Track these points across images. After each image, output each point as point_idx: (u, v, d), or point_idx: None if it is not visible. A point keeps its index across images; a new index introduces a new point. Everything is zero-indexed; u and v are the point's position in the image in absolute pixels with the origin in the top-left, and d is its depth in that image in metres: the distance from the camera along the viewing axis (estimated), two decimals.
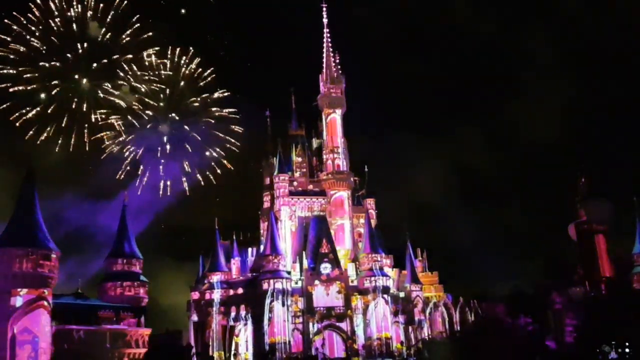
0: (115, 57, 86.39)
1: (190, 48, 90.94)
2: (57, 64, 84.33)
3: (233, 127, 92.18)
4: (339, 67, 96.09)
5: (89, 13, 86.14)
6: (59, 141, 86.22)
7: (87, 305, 65.06)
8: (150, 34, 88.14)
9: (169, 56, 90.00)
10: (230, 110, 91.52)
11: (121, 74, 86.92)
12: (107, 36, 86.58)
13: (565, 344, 79.24)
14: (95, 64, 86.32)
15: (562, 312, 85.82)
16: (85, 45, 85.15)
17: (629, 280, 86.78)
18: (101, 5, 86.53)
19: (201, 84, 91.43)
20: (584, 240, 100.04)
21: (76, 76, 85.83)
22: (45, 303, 57.14)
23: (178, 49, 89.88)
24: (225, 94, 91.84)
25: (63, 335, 59.12)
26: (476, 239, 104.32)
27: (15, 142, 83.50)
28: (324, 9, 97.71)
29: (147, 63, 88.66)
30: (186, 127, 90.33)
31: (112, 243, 74.25)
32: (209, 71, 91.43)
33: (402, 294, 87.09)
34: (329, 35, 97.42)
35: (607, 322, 72.42)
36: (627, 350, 69.99)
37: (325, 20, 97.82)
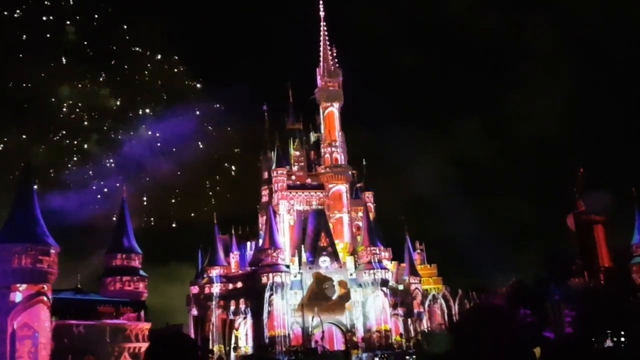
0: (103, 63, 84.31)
1: (175, 57, 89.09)
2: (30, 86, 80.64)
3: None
4: (336, 60, 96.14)
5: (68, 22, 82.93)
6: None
7: (86, 300, 65.03)
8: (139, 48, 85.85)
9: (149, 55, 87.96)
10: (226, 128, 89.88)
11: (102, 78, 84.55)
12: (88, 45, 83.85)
13: (564, 334, 79.46)
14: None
15: (560, 303, 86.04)
16: (64, 59, 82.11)
17: (628, 271, 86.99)
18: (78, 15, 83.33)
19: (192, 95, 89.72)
20: (583, 231, 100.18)
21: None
22: (45, 298, 57.21)
23: (159, 55, 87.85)
24: (217, 106, 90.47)
25: (63, 330, 59.12)
26: (475, 231, 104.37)
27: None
28: (321, 1, 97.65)
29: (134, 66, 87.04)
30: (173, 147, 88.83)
31: (111, 238, 74.46)
32: (197, 83, 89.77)
33: (401, 287, 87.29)
34: (325, 28, 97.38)
35: (606, 313, 72.79)
36: (622, 339, 70.40)
37: (322, 14, 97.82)
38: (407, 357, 75.48)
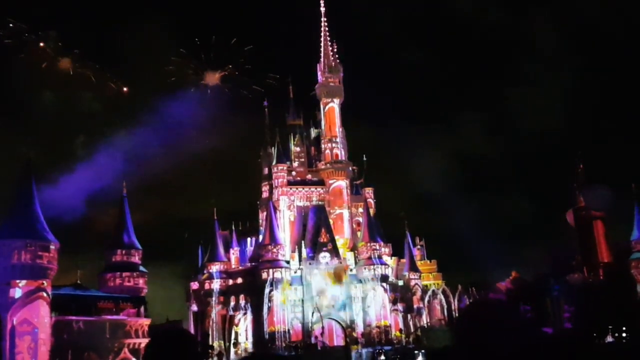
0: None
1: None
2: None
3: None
4: (337, 56, 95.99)
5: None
6: None
7: (86, 296, 65.09)
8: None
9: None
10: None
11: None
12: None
13: (563, 330, 79.58)
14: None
15: (560, 299, 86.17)
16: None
17: (627, 267, 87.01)
18: None
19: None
20: (583, 227, 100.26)
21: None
22: (45, 294, 57.29)
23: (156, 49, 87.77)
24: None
25: (63, 326, 59.22)
26: (475, 226, 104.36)
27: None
28: None
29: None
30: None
31: (111, 234, 74.48)
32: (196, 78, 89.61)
33: (400, 282, 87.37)
34: (326, 23, 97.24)
35: (605, 308, 72.86)
36: (624, 335, 70.48)
37: (323, 9, 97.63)
38: (416, 352, 75.05)
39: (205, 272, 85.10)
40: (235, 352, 79.41)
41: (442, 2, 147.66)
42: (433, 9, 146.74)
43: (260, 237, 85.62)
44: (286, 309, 78.72)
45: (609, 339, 71.57)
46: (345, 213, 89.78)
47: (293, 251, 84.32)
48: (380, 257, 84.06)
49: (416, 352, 75.21)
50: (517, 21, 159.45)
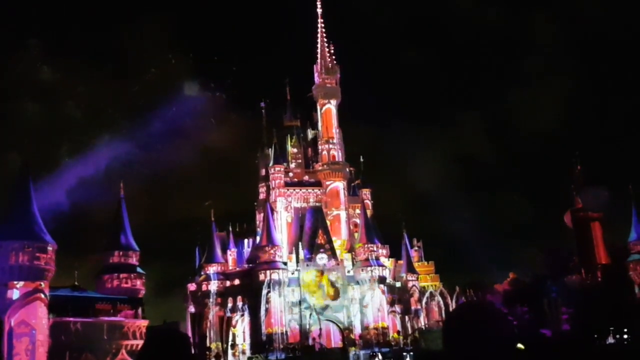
0: None
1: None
2: None
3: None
4: (334, 57, 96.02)
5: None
6: None
7: (84, 298, 65.07)
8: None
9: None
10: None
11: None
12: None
13: (561, 331, 79.69)
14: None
15: (558, 300, 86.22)
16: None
17: (625, 268, 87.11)
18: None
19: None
20: (580, 228, 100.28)
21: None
22: (42, 295, 57.22)
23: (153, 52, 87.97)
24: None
25: (60, 327, 59.16)
26: (473, 228, 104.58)
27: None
28: None
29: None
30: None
31: (109, 235, 74.42)
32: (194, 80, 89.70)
33: (398, 284, 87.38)
34: (323, 25, 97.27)
35: (603, 310, 72.94)
36: (625, 336, 70.57)
37: (319, 10, 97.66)
38: (404, 354, 75.47)
39: (202, 273, 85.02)
40: (233, 354, 79.35)
41: (442, 2, 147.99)
42: (432, 9, 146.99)
43: (258, 238, 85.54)
44: (284, 311, 78.71)
45: (610, 340, 71.67)
46: (343, 214, 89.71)
47: (290, 252, 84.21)
48: (377, 258, 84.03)
49: (404, 353, 75.34)
50: (517, 21, 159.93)
